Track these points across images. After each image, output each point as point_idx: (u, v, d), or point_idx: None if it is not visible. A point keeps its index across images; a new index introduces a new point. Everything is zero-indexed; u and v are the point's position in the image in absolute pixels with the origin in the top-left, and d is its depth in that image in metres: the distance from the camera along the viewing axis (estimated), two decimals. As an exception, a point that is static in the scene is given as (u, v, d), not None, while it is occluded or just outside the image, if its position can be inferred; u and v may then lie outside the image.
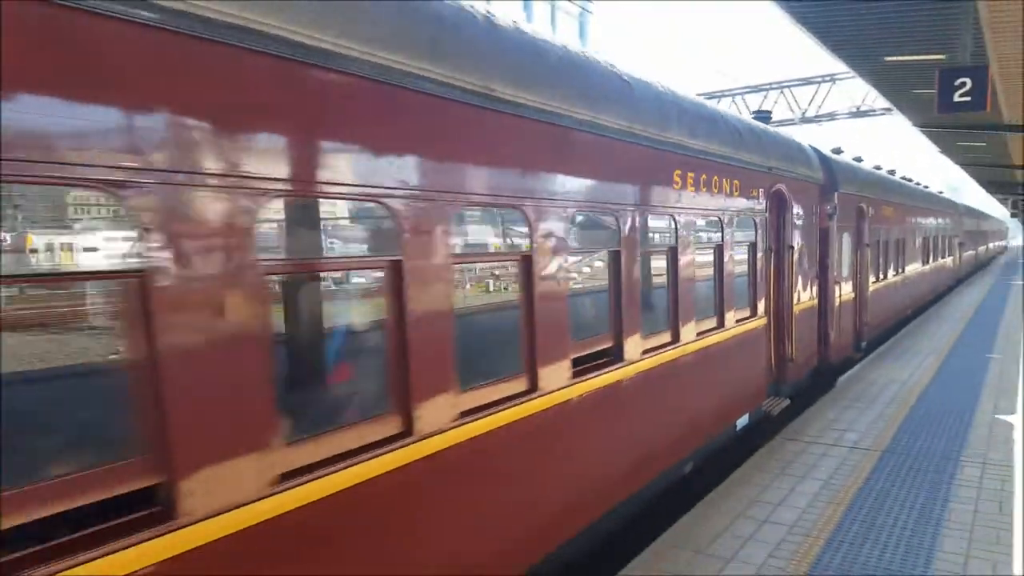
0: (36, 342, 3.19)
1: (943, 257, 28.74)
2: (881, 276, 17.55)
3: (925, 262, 24.24)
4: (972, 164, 34.39)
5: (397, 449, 3.98)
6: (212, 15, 3.02)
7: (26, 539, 2.56)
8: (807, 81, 30.56)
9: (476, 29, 4.69)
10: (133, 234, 2.82)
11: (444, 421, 4.29)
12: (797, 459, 8.05)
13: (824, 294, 12.39)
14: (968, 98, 8.58)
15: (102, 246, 3.06)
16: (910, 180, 23.31)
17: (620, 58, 6.74)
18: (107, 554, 2.71)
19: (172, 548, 2.90)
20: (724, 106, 27.79)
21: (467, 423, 4.46)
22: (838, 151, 16.37)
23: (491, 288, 5.58)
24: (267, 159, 3.28)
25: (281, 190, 3.38)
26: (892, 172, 23.81)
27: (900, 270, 19.90)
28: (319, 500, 3.51)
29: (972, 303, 24.75)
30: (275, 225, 3.67)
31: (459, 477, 4.44)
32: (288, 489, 3.36)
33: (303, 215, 3.93)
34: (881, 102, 22.89)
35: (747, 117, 10.80)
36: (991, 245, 65.33)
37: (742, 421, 8.83)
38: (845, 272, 13.96)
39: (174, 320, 2.93)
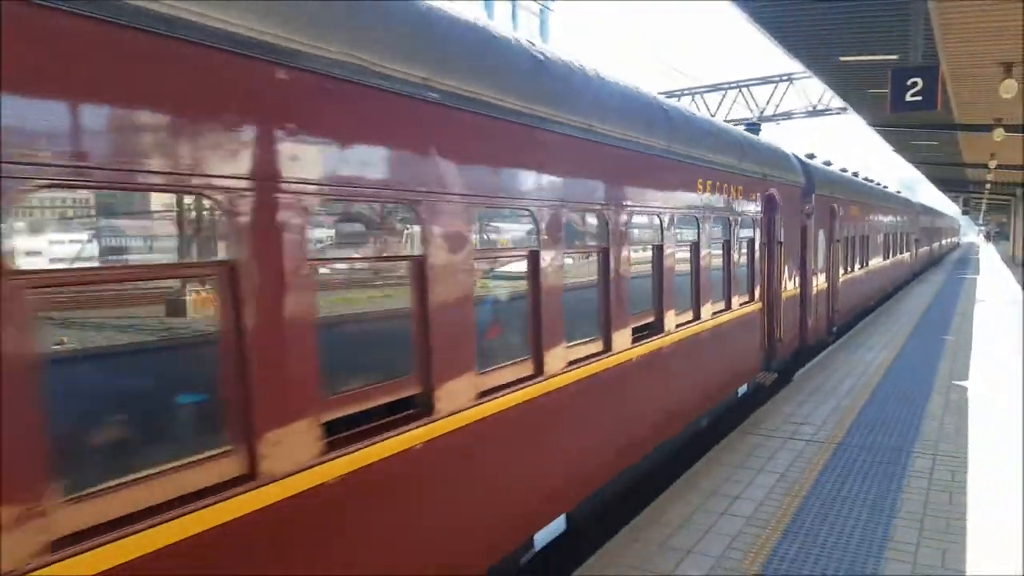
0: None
1: (901, 253, 30.89)
2: (849, 269, 19.23)
3: (886, 257, 26.32)
4: (925, 163, 35.19)
5: (532, 385, 5.45)
6: None
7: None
8: (765, 80, 30.98)
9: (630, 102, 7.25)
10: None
11: (560, 367, 5.79)
12: (755, 452, 8.18)
13: (804, 284, 14.15)
14: (919, 97, 8.77)
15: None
16: (870, 180, 24.42)
17: (583, 55, 6.84)
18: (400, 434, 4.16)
19: (431, 432, 4.41)
20: (684, 104, 28.04)
21: (573, 370, 5.97)
22: (811, 156, 17.91)
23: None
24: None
25: (487, 204, 5.02)
26: (856, 174, 25.28)
27: (865, 264, 21.70)
28: (500, 411, 5.07)
29: (930, 293, 25.35)
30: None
31: (571, 404, 5.97)
32: (483, 403, 4.91)
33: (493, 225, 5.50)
34: (837, 101, 23.28)
35: (716, 119, 12.20)
36: (944, 241, 68.81)
37: (742, 390, 10.46)
38: (820, 265, 15.61)
39: (440, 294, 4.51)
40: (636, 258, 7.22)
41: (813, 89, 29.21)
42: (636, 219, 7.12)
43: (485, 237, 5.38)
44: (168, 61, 2.98)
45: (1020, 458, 7.79)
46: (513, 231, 5.68)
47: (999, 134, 17.73)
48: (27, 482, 2.54)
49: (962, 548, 5.71)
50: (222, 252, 3.29)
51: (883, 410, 9.95)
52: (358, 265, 4.48)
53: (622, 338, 6.80)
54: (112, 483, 2.85)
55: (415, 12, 4.53)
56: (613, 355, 6.62)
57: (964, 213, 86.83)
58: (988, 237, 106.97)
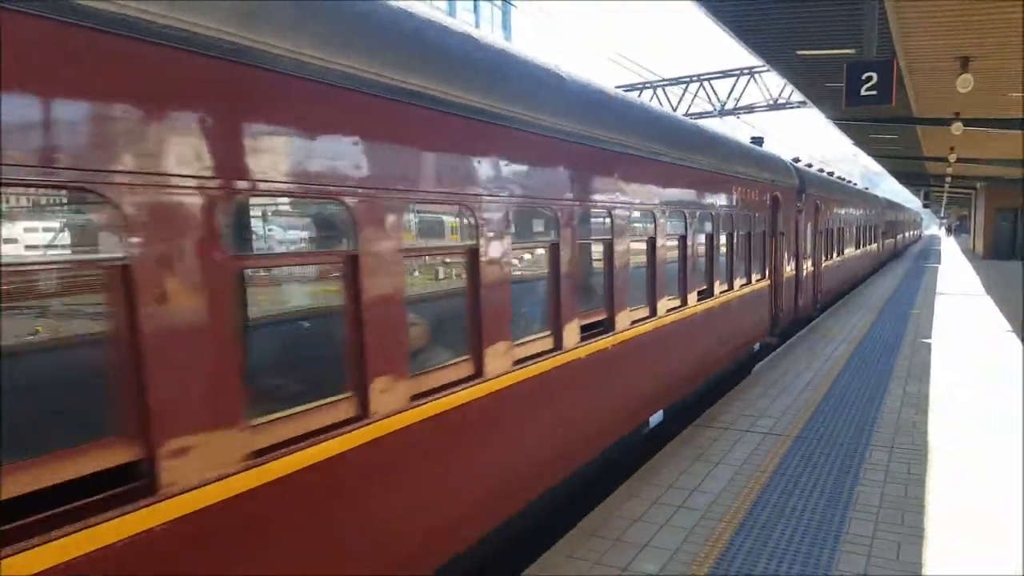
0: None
1: (870, 244, 34.09)
2: (830, 257, 22.21)
3: (858, 247, 29.38)
4: (885, 156, 35.63)
5: (555, 357, 6.31)
6: None
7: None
8: (726, 74, 31.17)
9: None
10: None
11: (576, 343, 6.65)
12: (712, 446, 8.17)
13: (797, 268, 16.98)
14: (874, 92, 8.81)
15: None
16: (833, 173, 26.22)
17: (548, 50, 6.90)
18: (458, 392, 5.14)
19: (482, 391, 5.31)
20: (645, 98, 28.14)
21: (587, 344, 6.90)
22: (796, 160, 21.60)
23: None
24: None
25: (519, 204, 5.79)
26: (832, 174, 28.59)
27: (842, 253, 24.86)
28: (540, 373, 6.00)
29: (891, 287, 25.75)
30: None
31: (584, 371, 6.82)
32: (519, 369, 5.72)
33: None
34: (798, 95, 23.47)
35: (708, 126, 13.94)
36: (908, 233, 73.00)
37: (755, 347, 13.52)
38: (808, 253, 18.42)
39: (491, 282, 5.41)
40: (696, 243, 10.03)
41: (774, 83, 29.44)
42: (701, 218, 10.11)
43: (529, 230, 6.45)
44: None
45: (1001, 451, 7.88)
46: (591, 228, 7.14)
47: (957, 128, 17.98)
48: (236, 412, 3.49)
49: (917, 541, 5.73)
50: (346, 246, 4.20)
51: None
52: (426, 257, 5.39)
53: (693, 298, 9.76)
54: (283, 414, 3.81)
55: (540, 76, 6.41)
56: (689, 308, 9.60)
57: (925, 206, 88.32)
58: (949, 230, 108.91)
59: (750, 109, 31.46)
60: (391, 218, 4.45)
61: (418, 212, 5.04)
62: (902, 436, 8.38)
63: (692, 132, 10.28)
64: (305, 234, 4.59)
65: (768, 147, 19.30)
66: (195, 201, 3.27)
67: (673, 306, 9.00)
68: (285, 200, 4.09)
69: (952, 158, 27.43)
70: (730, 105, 30.84)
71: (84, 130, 2.89)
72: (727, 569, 5.30)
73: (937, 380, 11.14)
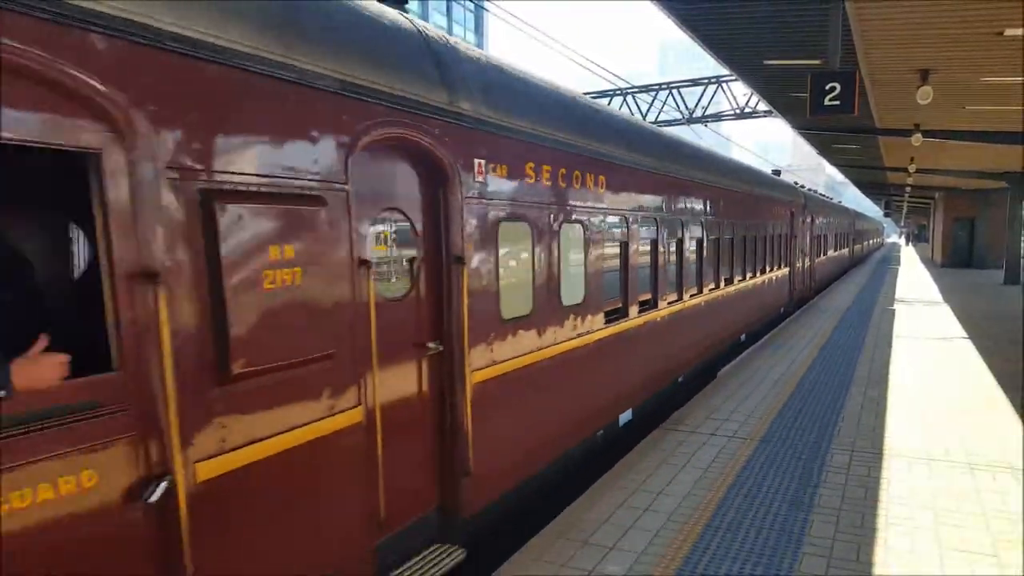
0: None
1: (844, 248, 42.02)
2: (819, 256, 29.00)
3: (836, 250, 36.65)
4: (848, 166, 36.29)
5: (681, 303, 11.08)
6: None
7: None
8: (695, 82, 31.52)
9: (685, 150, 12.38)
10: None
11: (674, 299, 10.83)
12: (679, 449, 8.26)
13: (802, 262, 23.87)
14: (837, 102, 9.00)
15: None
16: (802, 185, 30.51)
17: (516, 54, 7.00)
18: (616, 324, 8.89)
19: (626, 326, 8.99)
20: (615, 105, 28.37)
21: (686, 302, 11.29)
22: (777, 172, 26.34)
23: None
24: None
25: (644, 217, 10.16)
26: (803, 186, 32.16)
27: (826, 253, 31.82)
28: (654, 318, 9.80)
29: (866, 276, 26.32)
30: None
31: (680, 321, 11.01)
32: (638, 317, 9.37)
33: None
34: (764, 104, 23.81)
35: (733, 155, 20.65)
36: (872, 240, 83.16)
37: (780, 310, 20.32)
38: (807, 251, 24.99)
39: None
40: (755, 240, 16.04)
41: (741, 92, 29.83)
42: (759, 225, 16.14)
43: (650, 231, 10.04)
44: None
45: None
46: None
47: (917, 139, 18.37)
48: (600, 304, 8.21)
49: (876, 543, 5.85)
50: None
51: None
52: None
53: (751, 274, 15.70)
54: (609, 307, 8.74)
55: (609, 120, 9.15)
56: (747, 281, 15.55)
57: (886, 215, 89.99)
58: (909, 239, 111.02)
59: (718, 117, 31.85)
60: (635, 227, 9.08)
61: (640, 223, 9.30)
62: (862, 439, 8.55)
63: (746, 170, 16.46)
64: (615, 232, 8.69)
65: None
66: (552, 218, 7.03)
67: (744, 278, 15.25)
68: (601, 218, 8.14)
69: (912, 168, 28.03)
70: (698, 113, 31.18)
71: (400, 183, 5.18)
72: (692, 570, 5.37)
73: (896, 383, 11.38)
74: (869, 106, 16.70)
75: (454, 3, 71.84)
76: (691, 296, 11.44)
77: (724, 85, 30.25)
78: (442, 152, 5.27)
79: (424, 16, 68.39)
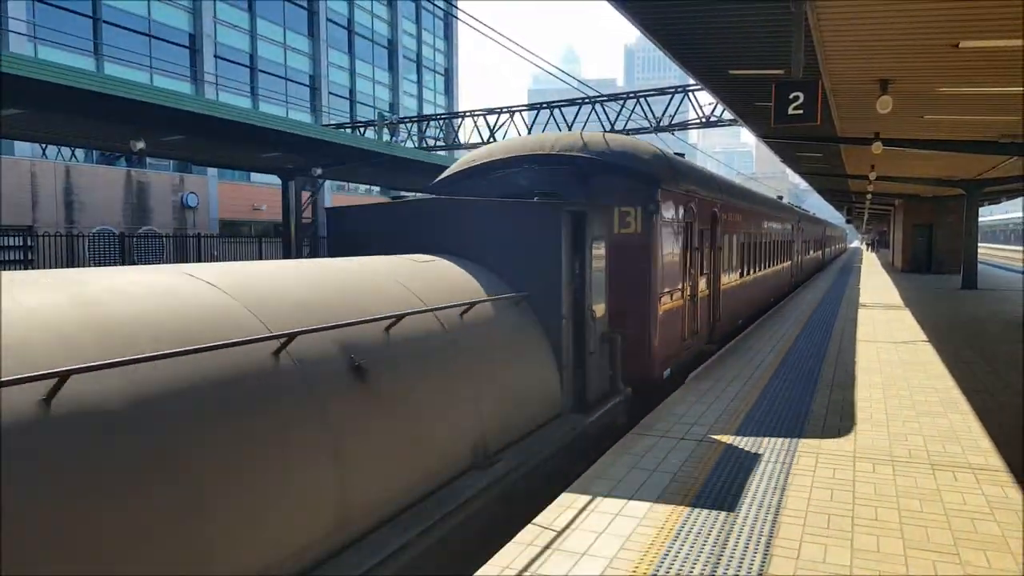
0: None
1: (818, 250, 54.03)
2: (804, 255, 39.25)
3: (812, 252, 46.85)
4: (811, 174, 36.89)
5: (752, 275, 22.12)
6: None
7: None
8: (662, 91, 31.86)
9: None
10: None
11: (756, 270, 22.50)
12: (649, 453, 8.32)
13: (794, 259, 32.62)
14: (801, 111, 9.18)
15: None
16: (795, 205, 44.58)
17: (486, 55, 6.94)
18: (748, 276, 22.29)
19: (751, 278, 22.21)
20: (584, 114, 28.57)
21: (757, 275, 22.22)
22: (780, 197, 39.23)
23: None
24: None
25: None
26: (781, 197, 43.56)
27: (807, 254, 42.14)
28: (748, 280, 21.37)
29: (832, 278, 26.85)
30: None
31: (761, 279, 23.73)
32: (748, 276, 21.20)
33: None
34: (729, 114, 24.15)
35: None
36: (838, 245, 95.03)
37: (786, 291, 31.23)
38: (799, 251, 35.08)
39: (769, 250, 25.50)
40: (782, 243, 28.33)
41: (707, 101, 30.21)
42: (782, 236, 27.86)
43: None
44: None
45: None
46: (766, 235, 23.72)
47: (877, 147, 18.75)
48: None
49: (842, 544, 5.96)
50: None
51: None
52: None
53: (779, 263, 27.05)
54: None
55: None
56: (779, 266, 26.94)
57: (848, 222, 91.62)
58: (871, 245, 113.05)
59: (684, 126, 32.23)
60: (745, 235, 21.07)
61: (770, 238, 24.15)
62: (829, 442, 8.70)
63: (777, 202, 28.59)
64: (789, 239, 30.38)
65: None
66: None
67: (777, 264, 25.69)
68: (789, 236, 30.06)
69: (873, 176, 28.59)
70: (665, 122, 31.53)
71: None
72: (665, 574, 5.42)
73: (860, 384, 11.60)
74: (831, 115, 17.02)
75: (423, 10, 71.79)
76: (761, 270, 22.50)
77: (690, 94, 30.63)
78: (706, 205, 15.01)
79: (393, 23, 68.27)
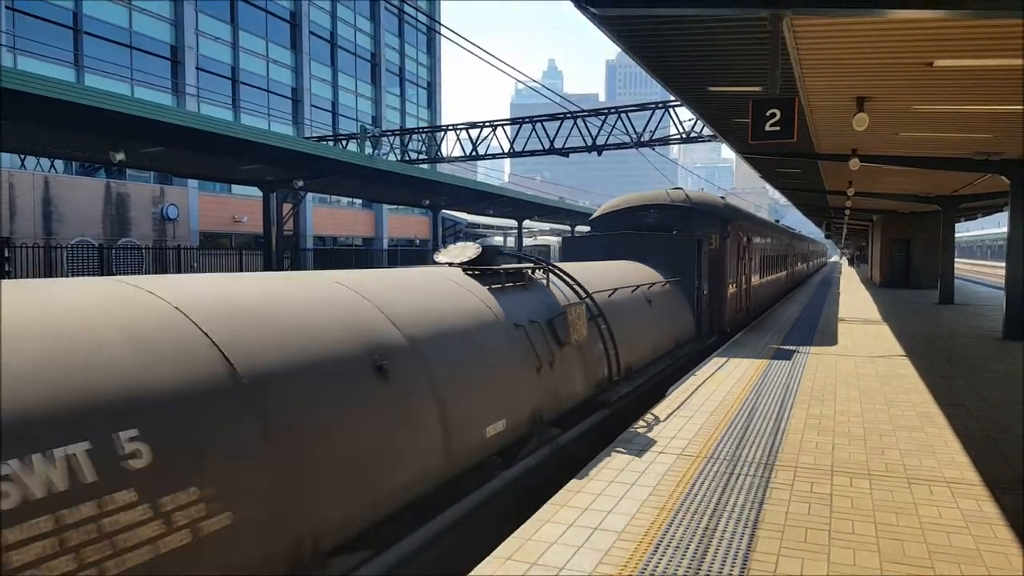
0: None
1: (805, 263, 61.74)
2: (796, 266, 46.32)
3: (801, 264, 54.46)
4: (790, 189, 37.26)
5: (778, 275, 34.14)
6: None
7: None
8: (643, 107, 32.10)
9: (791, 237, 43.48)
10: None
11: (775, 274, 32.21)
12: (628, 467, 8.34)
13: (788, 271, 39.21)
14: (778, 127, 9.26)
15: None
16: (790, 227, 53.79)
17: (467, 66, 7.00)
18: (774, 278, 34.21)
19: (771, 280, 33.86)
20: (565, 129, 28.70)
21: (768, 278, 29.88)
22: (777, 221, 49.81)
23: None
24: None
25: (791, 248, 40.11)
26: (765, 213, 60.05)
27: (798, 266, 48.98)
28: (768, 279, 30.77)
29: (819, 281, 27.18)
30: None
31: (781, 279, 35.74)
32: (768, 278, 30.68)
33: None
34: (708, 130, 24.36)
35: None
36: (820, 259, 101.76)
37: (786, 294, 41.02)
38: (792, 264, 42.57)
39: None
40: (786, 257, 38.57)
41: (687, 117, 30.47)
42: (786, 251, 37.53)
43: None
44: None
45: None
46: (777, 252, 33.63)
47: (855, 163, 18.98)
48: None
49: (819, 558, 5.99)
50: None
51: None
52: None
53: (784, 271, 35.54)
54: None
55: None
56: (776, 275, 32.45)
57: (827, 237, 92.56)
58: (851, 261, 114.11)
59: (665, 141, 32.48)
60: (791, 255, 39.43)
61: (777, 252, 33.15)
62: (807, 456, 8.75)
63: (784, 228, 42.39)
64: (786, 256, 38.70)
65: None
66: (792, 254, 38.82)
67: (783, 271, 34.35)
68: (789, 252, 39.91)
69: (851, 192, 28.93)
70: (646, 137, 31.75)
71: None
72: (642, 589, 5.43)
73: (839, 398, 11.69)
74: (809, 132, 17.23)
75: (407, 24, 71.99)
76: (770, 276, 28.46)
77: (671, 110, 30.88)
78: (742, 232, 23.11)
79: (376, 37, 68.40)
